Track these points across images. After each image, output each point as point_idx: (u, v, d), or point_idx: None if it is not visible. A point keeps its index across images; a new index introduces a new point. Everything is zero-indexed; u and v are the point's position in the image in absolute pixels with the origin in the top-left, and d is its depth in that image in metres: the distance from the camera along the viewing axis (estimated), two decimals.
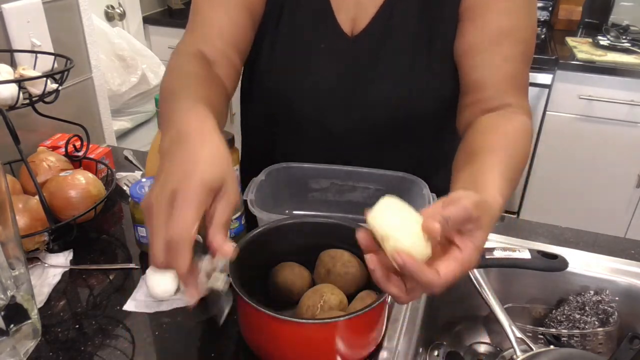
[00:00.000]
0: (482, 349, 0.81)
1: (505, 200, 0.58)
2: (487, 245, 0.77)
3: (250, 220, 0.79)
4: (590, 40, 2.17)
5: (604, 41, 2.11)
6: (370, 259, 0.48)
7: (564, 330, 0.75)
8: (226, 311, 0.64)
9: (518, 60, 0.76)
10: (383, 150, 0.89)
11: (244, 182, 0.80)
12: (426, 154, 0.92)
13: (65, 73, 0.80)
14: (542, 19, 2.41)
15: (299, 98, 0.85)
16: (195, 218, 0.45)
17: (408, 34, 0.79)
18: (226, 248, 0.48)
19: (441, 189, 0.83)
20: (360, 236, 0.48)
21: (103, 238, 0.84)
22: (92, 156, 0.94)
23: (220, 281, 0.54)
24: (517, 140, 0.69)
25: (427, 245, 0.47)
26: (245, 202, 0.76)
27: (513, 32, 0.75)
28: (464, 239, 0.48)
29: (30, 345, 0.62)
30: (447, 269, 0.46)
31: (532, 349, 0.64)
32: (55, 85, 0.79)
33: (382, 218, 0.48)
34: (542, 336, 0.77)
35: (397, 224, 0.47)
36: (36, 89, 0.77)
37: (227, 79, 0.77)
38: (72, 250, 0.79)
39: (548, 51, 2.06)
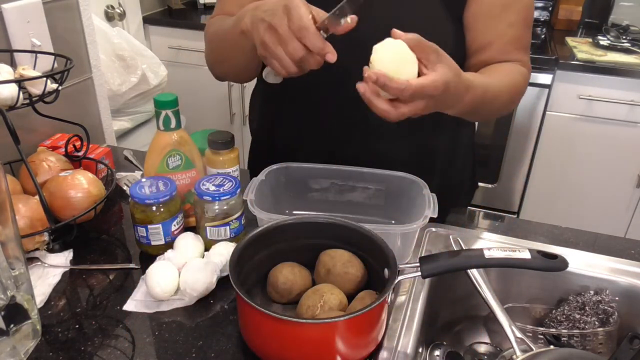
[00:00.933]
0: (482, 349, 0.81)
1: (472, 88, 0.72)
2: (487, 245, 0.78)
3: (250, 220, 0.79)
4: (590, 40, 2.17)
5: (604, 41, 2.11)
6: (360, 84, 0.63)
7: (564, 330, 0.75)
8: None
9: (521, 25, 0.85)
10: (383, 140, 0.90)
11: (248, 182, 0.80)
12: (427, 145, 0.92)
13: (65, 73, 0.80)
14: (542, 19, 2.40)
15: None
16: (308, 12, 0.64)
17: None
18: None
19: (442, 187, 0.84)
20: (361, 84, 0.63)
21: (103, 238, 0.84)
22: (92, 156, 0.94)
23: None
24: (510, 72, 0.82)
25: (409, 67, 0.63)
26: (245, 202, 0.76)
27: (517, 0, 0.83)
28: (429, 68, 0.63)
29: (30, 345, 0.62)
30: (416, 80, 0.61)
31: (532, 349, 0.64)
32: (55, 85, 0.79)
33: (378, 52, 0.63)
34: (542, 336, 0.76)
35: (387, 55, 0.63)
36: (36, 89, 0.77)
37: None
38: (72, 250, 0.79)
39: (548, 51, 2.06)
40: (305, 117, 0.94)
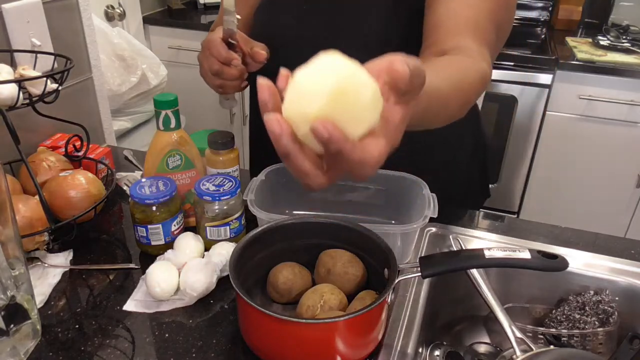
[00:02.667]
0: (482, 349, 0.81)
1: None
2: (487, 245, 0.78)
3: (250, 220, 0.79)
4: (590, 40, 2.17)
5: (604, 41, 2.11)
6: (275, 118, 0.37)
7: (564, 330, 0.75)
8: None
9: (482, 12, 0.72)
10: None
11: (248, 182, 0.80)
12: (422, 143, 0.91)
13: (65, 73, 0.80)
14: (542, 19, 2.41)
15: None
16: (220, 36, 0.76)
17: None
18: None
19: (442, 186, 0.83)
20: (262, 86, 0.39)
21: (103, 238, 0.84)
22: (92, 156, 0.94)
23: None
24: (464, 69, 0.64)
25: (373, 109, 0.38)
26: (245, 202, 0.76)
27: None
28: (396, 106, 0.40)
29: (30, 345, 0.62)
30: (381, 145, 0.39)
31: (532, 349, 0.64)
32: (55, 85, 0.79)
33: (308, 76, 0.38)
34: (542, 336, 0.76)
35: (325, 82, 0.36)
36: (36, 89, 0.77)
37: None
38: (72, 250, 0.79)
39: (548, 51, 2.06)
40: None
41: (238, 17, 0.75)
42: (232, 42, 0.76)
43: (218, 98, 0.87)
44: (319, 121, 0.35)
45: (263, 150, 1.06)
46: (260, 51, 0.79)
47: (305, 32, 0.86)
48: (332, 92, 0.36)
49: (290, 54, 0.89)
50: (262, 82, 0.39)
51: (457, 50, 0.67)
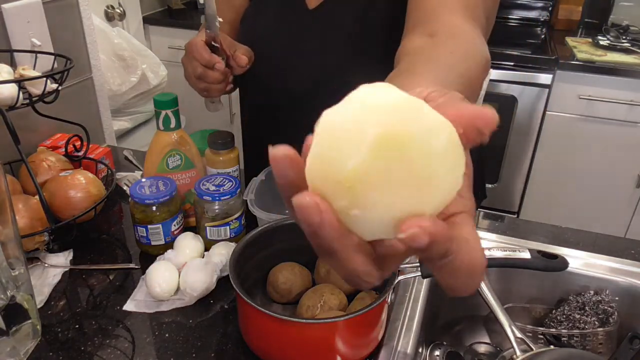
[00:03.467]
0: (482, 349, 0.81)
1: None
2: (487, 245, 0.78)
3: (250, 220, 0.79)
4: (590, 40, 2.17)
5: (604, 41, 2.11)
6: (312, 203, 0.23)
7: (564, 330, 0.75)
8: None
9: None
10: None
11: (245, 182, 0.81)
12: None
13: (65, 73, 0.80)
14: (542, 19, 2.40)
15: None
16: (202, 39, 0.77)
17: None
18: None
19: None
20: (276, 157, 0.24)
21: (103, 238, 0.84)
22: (92, 156, 0.94)
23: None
24: (468, 57, 0.53)
25: (455, 174, 0.24)
26: (245, 202, 0.76)
27: None
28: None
29: (30, 345, 0.62)
30: (470, 226, 0.26)
31: (532, 349, 0.64)
32: (55, 85, 0.79)
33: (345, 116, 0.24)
34: (542, 336, 0.76)
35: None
36: (36, 89, 0.77)
37: None
38: (72, 250, 0.79)
39: (548, 51, 2.06)
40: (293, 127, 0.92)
41: (220, 19, 0.75)
42: (215, 45, 0.76)
43: (204, 101, 0.87)
44: (407, 220, 0.22)
45: (256, 151, 1.06)
46: (242, 56, 0.78)
47: (284, 36, 0.86)
48: (381, 138, 0.22)
49: (275, 59, 0.88)
50: (277, 151, 0.24)
51: (450, 31, 0.58)
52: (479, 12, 0.64)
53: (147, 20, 2.41)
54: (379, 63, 0.64)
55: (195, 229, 0.79)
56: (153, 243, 0.77)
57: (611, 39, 2.13)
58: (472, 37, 0.58)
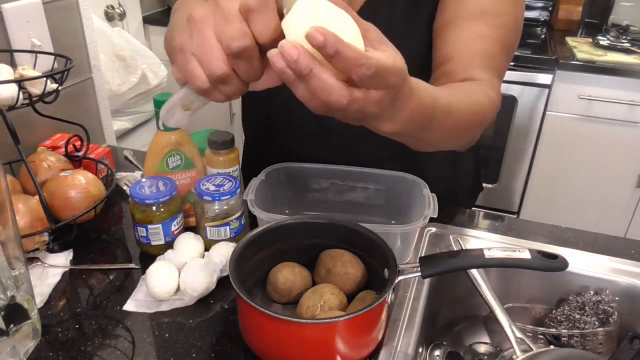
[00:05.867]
0: (482, 349, 0.81)
1: (417, 92, 0.51)
2: (487, 245, 0.78)
3: (250, 220, 0.79)
4: (590, 40, 2.17)
5: (604, 41, 2.11)
6: (290, 44, 0.40)
7: (564, 330, 0.75)
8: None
9: (494, 42, 0.72)
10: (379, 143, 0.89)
11: (244, 182, 0.81)
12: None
13: (65, 73, 0.80)
14: (542, 19, 2.41)
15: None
16: None
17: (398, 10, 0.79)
18: None
19: (437, 184, 0.83)
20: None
21: (103, 238, 0.84)
22: (92, 156, 0.94)
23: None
24: (473, 91, 0.67)
25: (353, 40, 0.41)
26: (245, 202, 0.76)
27: (493, 15, 0.72)
28: (374, 47, 0.44)
29: (30, 345, 0.62)
30: (378, 55, 0.42)
31: (532, 349, 0.64)
32: (55, 85, 0.79)
33: (300, 12, 0.41)
34: (542, 336, 0.76)
35: (315, 17, 0.40)
36: (36, 89, 0.77)
37: None
38: (72, 250, 0.79)
39: (548, 51, 2.06)
40: (298, 138, 0.93)
41: None
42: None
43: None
44: (313, 29, 0.38)
45: (256, 151, 1.05)
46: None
47: None
48: (327, 25, 0.40)
49: None
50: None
51: (469, 80, 0.69)
52: (500, 61, 0.73)
53: (147, 20, 2.41)
54: None
55: (195, 229, 0.79)
56: (153, 243, 0.77)
57: (611, 39, 2.13)
58: (484, 85, 0.69)
